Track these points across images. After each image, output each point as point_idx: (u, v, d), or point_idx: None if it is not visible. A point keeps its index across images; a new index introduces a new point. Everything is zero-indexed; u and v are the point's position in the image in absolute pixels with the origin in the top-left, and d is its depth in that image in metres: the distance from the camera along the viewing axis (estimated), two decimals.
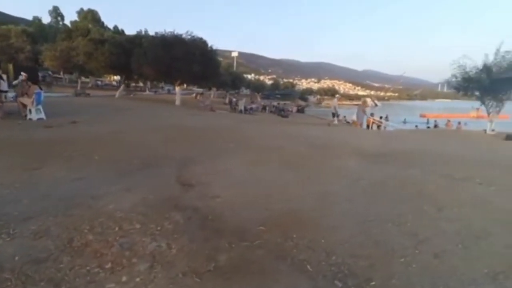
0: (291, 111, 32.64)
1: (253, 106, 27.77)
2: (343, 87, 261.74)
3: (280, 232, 2.88)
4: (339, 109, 19.01)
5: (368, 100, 25.45)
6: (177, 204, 3.43)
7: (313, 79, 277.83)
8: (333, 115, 18.11)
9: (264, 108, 30.14)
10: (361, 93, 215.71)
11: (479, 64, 11.74)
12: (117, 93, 27.46)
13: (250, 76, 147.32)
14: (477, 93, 12.11)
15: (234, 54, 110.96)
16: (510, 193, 4.39)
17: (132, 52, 22.36)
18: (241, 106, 23.34)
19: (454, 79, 12.52)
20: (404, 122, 36.39)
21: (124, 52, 24.16)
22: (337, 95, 22.49)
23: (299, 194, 3.96)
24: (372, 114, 18.07)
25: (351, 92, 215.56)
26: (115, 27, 61.74)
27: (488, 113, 12.00)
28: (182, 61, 19.58)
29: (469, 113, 37.67)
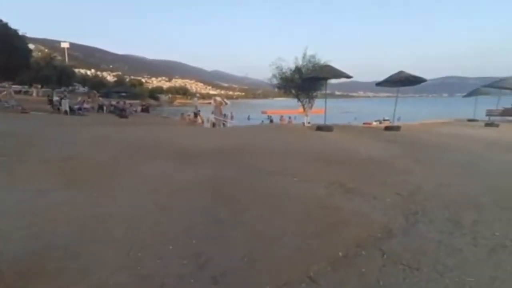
0: (136, 111, 30.02)
1: (85, 105, 23.86)
2: (195, 86, 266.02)
3: None
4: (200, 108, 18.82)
5: (218, 98, 26.09)
6: None
7: (163, 78, 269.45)
8: (195, 114, 17.70)
9: (101, 107, 26.42)
10: (212, 92, 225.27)
11: (292, 65, 13.63)
12: None
13: (90, 72, 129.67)
14: (293, 91, 13.96)
15: (65, 45, 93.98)
16: (309, 183, 4.69)
17: None
18: (65, 106, 19.47)
19: (274, 79, 14.08)
20: (248, 118, 39.59)
21: None
22: (197, 95, 22.03)
23: (59, 224, 2.96)
24: (213, 113, 18.34)
25: (203, 91, 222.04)
26: None
27: (304, 109, 14.04)
28: None
29: (299, 109, 44.67)
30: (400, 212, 3.68)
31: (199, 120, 17.90)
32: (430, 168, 6.01)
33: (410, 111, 45.63)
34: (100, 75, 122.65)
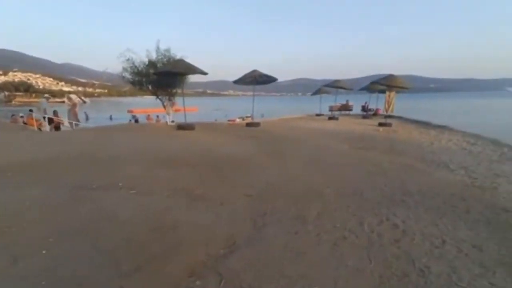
0: None
1: None
2: (42, 81, 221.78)
3: None
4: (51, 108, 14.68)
5: (73, 96, 21.74)
6: None
7: None
8: (45, 118, 13.67)
9: None
10: (66, 89, 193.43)
11: (145, 59, 12.26)
12: None
13: None
14: (150, 87, 12.62)
15: None
16: (148, 195, 3.85)
17: None
18: None
19: (126, 73, 12.38)
20: (111, 118, 35.26)
21: None
22: (45, 95, 17.08)
23: None
24: (55, 113, 15.02)
25: (54, 88, 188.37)
26: None
27: (164, 107, 12.91)
28: None
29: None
30: (248, 216, 3.31)
31: (46, 127, 14.36)
32: (282, 163, 6.09)
33: (272, 108, 50.33)
34: None
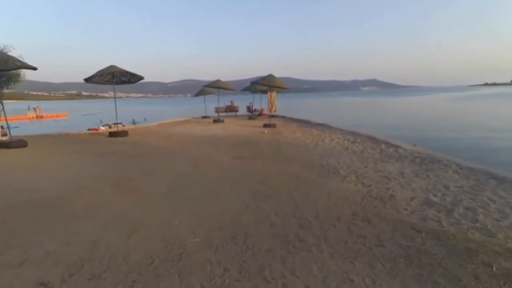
0: None
1: None
2: None
3: None
4: None
5: None
6: None
7: None
8: None
9: None
10: None
11: None
12: None
13: None
14: None
15: None
16: None
17: None
18: None
19: None
20: None
21: None
22: None
23: None
24: None
25: None
26: None
27: None
28: None
29: (27, 114, 33.45)
30: None
31: None
32: (132, 196, 4.19)
33: (157, 111, 46.35)
34: None
